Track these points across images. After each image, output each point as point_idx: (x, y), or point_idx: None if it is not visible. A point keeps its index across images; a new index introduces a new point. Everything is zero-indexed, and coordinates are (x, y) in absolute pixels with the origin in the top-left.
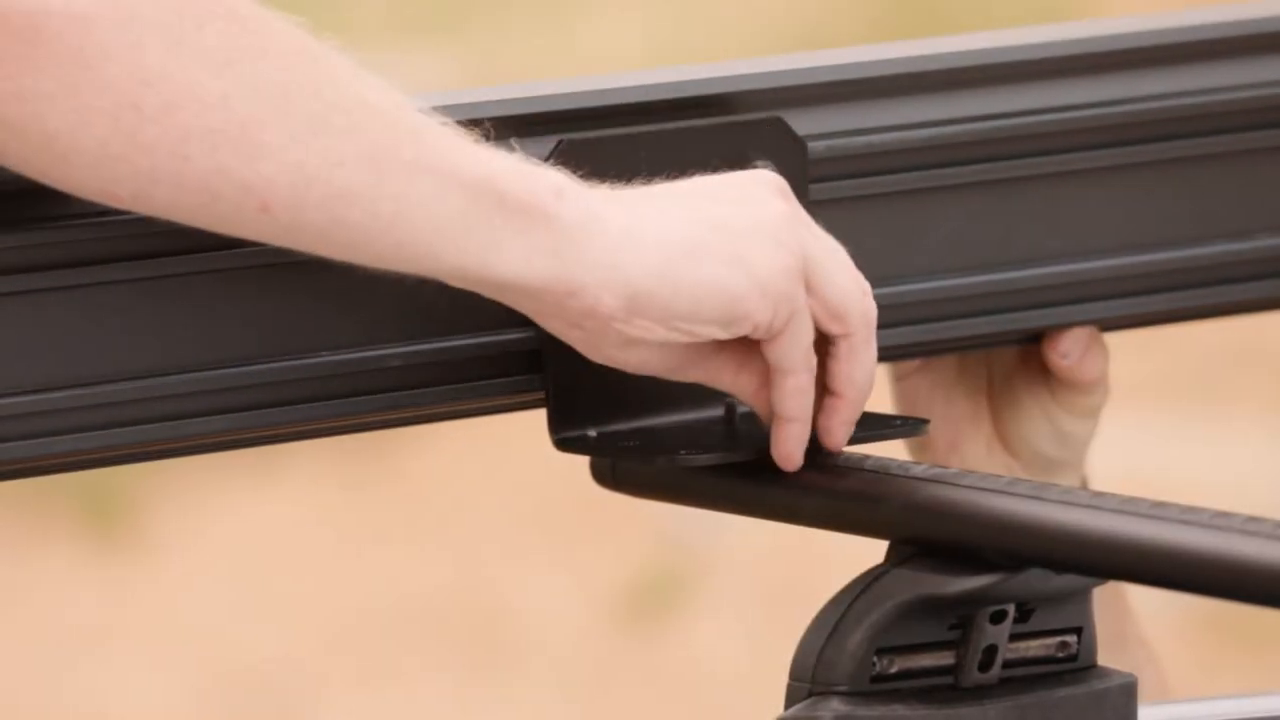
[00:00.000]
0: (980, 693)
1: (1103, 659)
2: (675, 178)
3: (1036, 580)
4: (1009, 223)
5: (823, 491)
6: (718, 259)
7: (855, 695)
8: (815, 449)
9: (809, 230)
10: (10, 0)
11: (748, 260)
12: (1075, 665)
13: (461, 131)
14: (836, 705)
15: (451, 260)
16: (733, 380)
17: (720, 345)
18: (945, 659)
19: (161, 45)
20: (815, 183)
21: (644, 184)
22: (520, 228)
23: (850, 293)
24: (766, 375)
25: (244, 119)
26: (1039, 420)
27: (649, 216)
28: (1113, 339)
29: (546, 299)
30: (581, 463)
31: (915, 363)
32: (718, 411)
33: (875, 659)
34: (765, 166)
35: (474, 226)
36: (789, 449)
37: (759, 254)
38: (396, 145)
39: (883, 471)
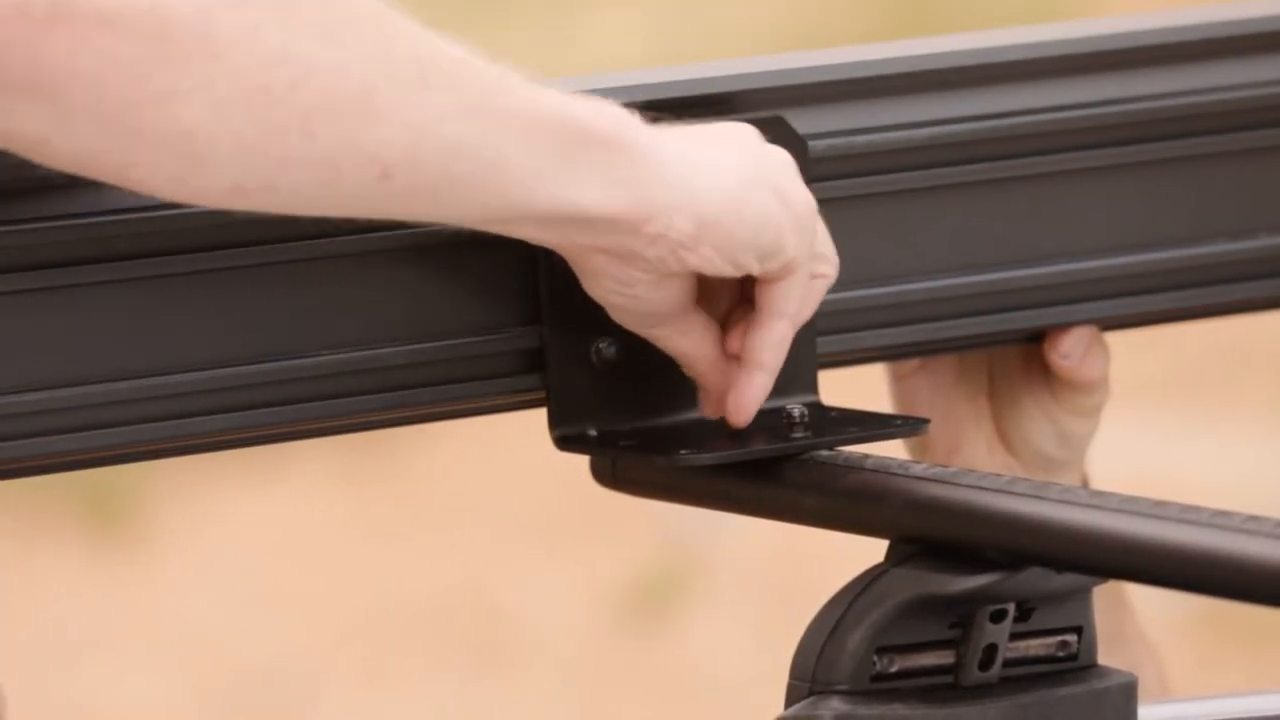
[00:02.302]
0: (980, 692)
1: (1101, 656)
2: None
3: (1037, 579)
4: (1009, 222)
5: (823, 491)
6: (767, 189)
7: (855, 694)
8: (813, 449)
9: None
10: (130, 2)
11: (785, 193)
12: (1075, 664)
13: (520, 74)
14: (837, 704)
15: (544, 202)
16: (699, 338)
17: (700, 304)
18: (945, 658)
19: (276, 23)
20: (816, 181)
21: None
22: (603, 159)
23: (829, 242)
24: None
25: (359, 85)
26: (1040, 420)
27: (702, 147)
28: (1113, 339)
29: (622, 227)
30: (582, 462)
31: (915, 363)
32: None
33: (875, 658)
34: None
35: (564, 165)
36: (750, 398)
37: (790, 189)
38: (490, 94)
39: (883, 471)
